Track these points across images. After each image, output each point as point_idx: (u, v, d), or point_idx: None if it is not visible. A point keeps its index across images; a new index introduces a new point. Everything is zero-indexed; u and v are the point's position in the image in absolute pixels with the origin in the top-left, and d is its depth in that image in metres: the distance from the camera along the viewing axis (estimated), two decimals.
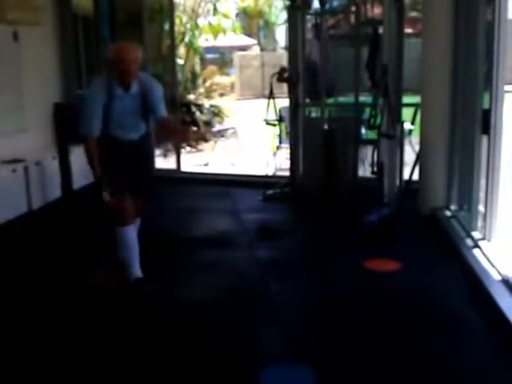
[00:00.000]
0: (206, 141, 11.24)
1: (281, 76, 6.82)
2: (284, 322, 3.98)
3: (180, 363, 3.48)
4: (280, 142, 8.49)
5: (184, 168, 8.71)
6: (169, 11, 8.76)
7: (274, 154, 8.51)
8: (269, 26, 18.05)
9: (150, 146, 5.04)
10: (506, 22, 4.53)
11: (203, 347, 3.66)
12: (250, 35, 21.52)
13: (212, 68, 16.07)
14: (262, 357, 3.53)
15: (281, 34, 19.08)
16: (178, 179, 8.30)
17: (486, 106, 4.80)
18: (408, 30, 11.68)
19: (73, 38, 8.09)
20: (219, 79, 15.98)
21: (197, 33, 12.81)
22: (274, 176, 8.19)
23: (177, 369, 3.42)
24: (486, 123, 4.72)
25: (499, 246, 4.73)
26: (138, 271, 4.40)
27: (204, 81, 14.49)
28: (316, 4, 6.95)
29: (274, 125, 7.92)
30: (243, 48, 21.62)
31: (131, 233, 4.40)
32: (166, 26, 9.14)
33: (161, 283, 4.65)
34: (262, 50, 18.77)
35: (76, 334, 3.86)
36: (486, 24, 4.95)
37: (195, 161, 10.06)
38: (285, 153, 8.16)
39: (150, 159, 5.22)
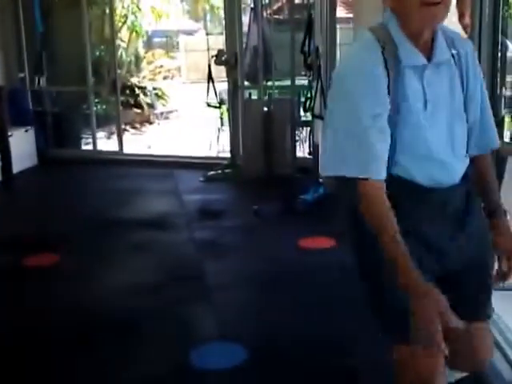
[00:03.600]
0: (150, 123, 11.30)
1: (219, 59, 6.91)
2: (218, 302, 4.07)
3: (115, 345, 3.55)
4: (222, 124, 8.62)
5: (127, 150, 8.73)
6: None
7: (217, 135, 8.63)
8: (214, 10, 18.02)
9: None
10: None
11: (139, 327, 3.73)
12: (196, 19, 21.46)
13: (156, 51, 16.01)
14: (196, 336, 3.64)
15: None
16: (121, 161, 8.32)
17: None
18: (349, 15, 11.87)
19: (13, 19, 7.99)
20: (165, 62, 15.92)
21: (139, 16, 12.77)
22: (216, 157, 8.31)
23: (116, 349, 3.50)
24: None
25: None
26: None
27: (149, 63, 14.45)
28: None
29: (216, 107, 8.00)
30: (189, 32, 21.55)
31: None
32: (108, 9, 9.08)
33: (95, 265, 4.73)
34: (207, 33, 18.75)
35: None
36: None
37: (138, 143, 10.08)
38: (227, 134, 8.27)
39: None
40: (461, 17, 3.92)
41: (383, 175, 1.83)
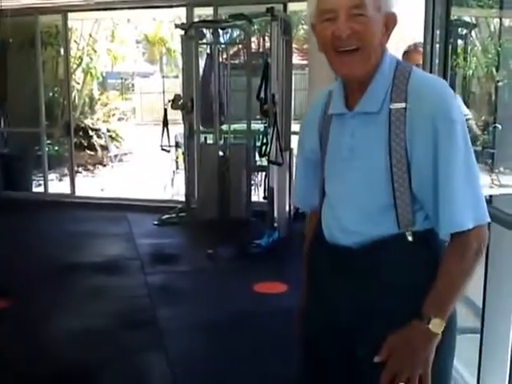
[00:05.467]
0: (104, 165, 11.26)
1: (175, 103, 6.91)
2: (171, 348, 3.99)
3: None
4: (177, 167, 8.61)
5: (79, 192, 8.63)
6: (63, 35, 8.72)
7: (172, 179, 8.61)
8: (170, 54, 18.21)
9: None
10: None
11: (91, 376, 3.64)
12: (151, 62, 21.63)
13: (111, 93, 16.02)
14: (147, 382, 3.58)
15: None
16: (73, 204, 8.21)
17: None
18: (304, 62, 12.12)
19: None
20: (120, 104, 15.92)
21: (94, 58, 12.78)
22: (170, 200, 8.27)
23: None
24: None
25: None
26: None
27: (105, 105, 14.44)
28: (209, 34, 7.12)
29: (168, 151, 7.94)
30: (145, 74, 21.70)
31: None
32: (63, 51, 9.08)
33: (46, 310, 4.60)
34: (163, 76, 18.97)
35: None
36: None
37: (91, 185, 9.99)
38: (182, 177, 8.26)
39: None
40: None
41: (305, 206, 2.03)
